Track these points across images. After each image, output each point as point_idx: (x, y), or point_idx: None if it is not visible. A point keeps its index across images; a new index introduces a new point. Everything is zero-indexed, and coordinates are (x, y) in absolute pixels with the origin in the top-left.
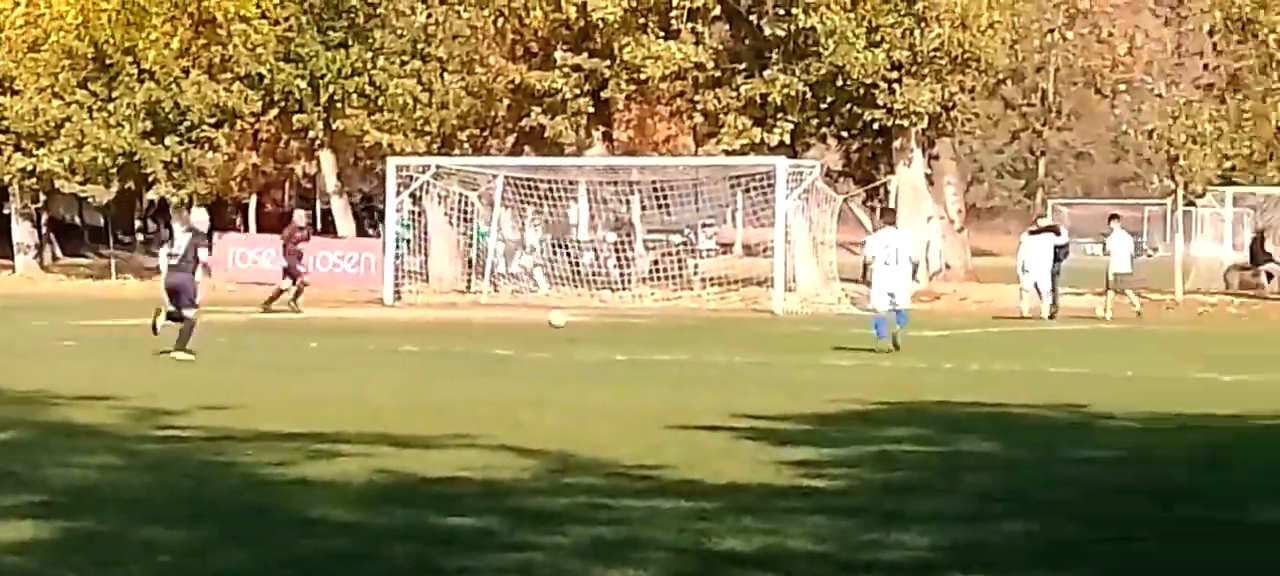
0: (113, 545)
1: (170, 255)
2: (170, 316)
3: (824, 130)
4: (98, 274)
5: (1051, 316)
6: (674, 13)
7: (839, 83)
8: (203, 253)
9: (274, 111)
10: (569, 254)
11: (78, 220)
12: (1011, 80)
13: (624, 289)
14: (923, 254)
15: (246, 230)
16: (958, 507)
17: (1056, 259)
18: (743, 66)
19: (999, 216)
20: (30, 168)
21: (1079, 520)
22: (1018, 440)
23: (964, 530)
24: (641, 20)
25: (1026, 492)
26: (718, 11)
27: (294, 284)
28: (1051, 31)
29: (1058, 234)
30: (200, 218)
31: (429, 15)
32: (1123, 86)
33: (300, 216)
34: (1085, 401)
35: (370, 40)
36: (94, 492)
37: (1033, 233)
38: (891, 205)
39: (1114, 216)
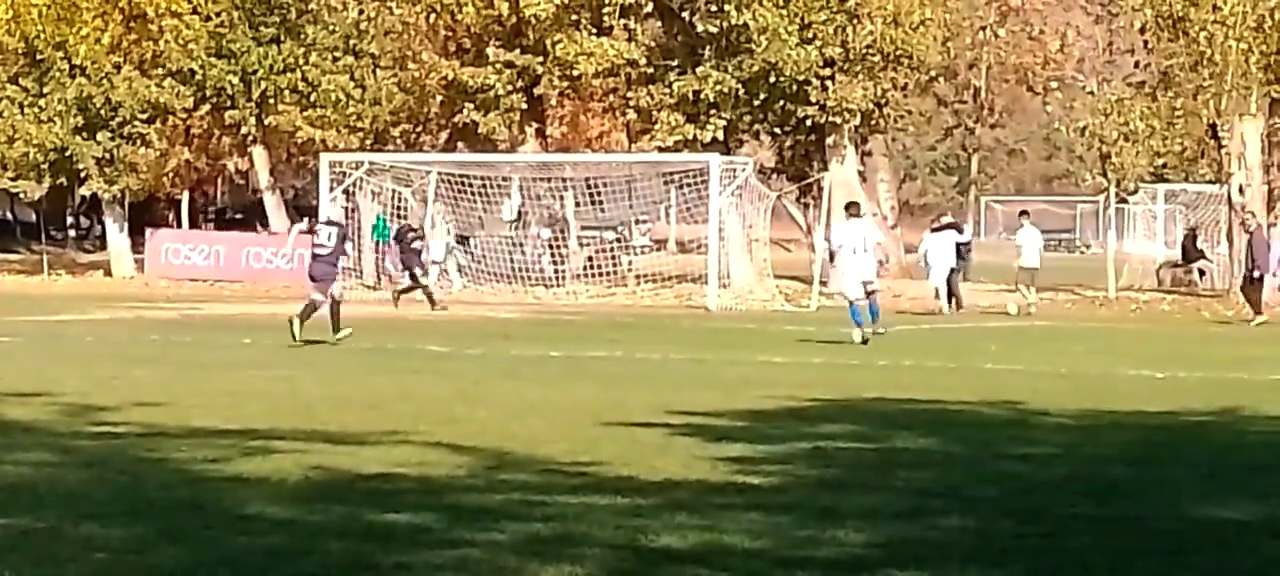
0: (49, 542)
1: (317, 247)
2: (308, 311)
3: (757, 127)
4: (30, 270)
5: (957, 310)
6: (607, 9)
7: (772, 79)
8: (348, 244)
9: (206, 107)
10: (504, 250)
11: (9, 216)
12: (944, 77)
13: (558, 285)
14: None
15: (179, 226)
16: (893, 504)
17: (959, 256)
18: (676, 63)
19: (932, 213)
20: None
21: (1014, 516)
22: (953, 437)
23: (899, 526)
24: (574, 17)
25: (962, 489)
26: (650, 8)
27: (411, 280)
28: (983, 29)
29: (960, 232)
30: (338, 212)
31: (361, 11)
32: (1054, 83)
33: (413, 217)
34: (1020, 398)
35: (302, 36)
36: (29, 489)
37: (935, 230)
38: (854, 198)
39: (1023, 213)
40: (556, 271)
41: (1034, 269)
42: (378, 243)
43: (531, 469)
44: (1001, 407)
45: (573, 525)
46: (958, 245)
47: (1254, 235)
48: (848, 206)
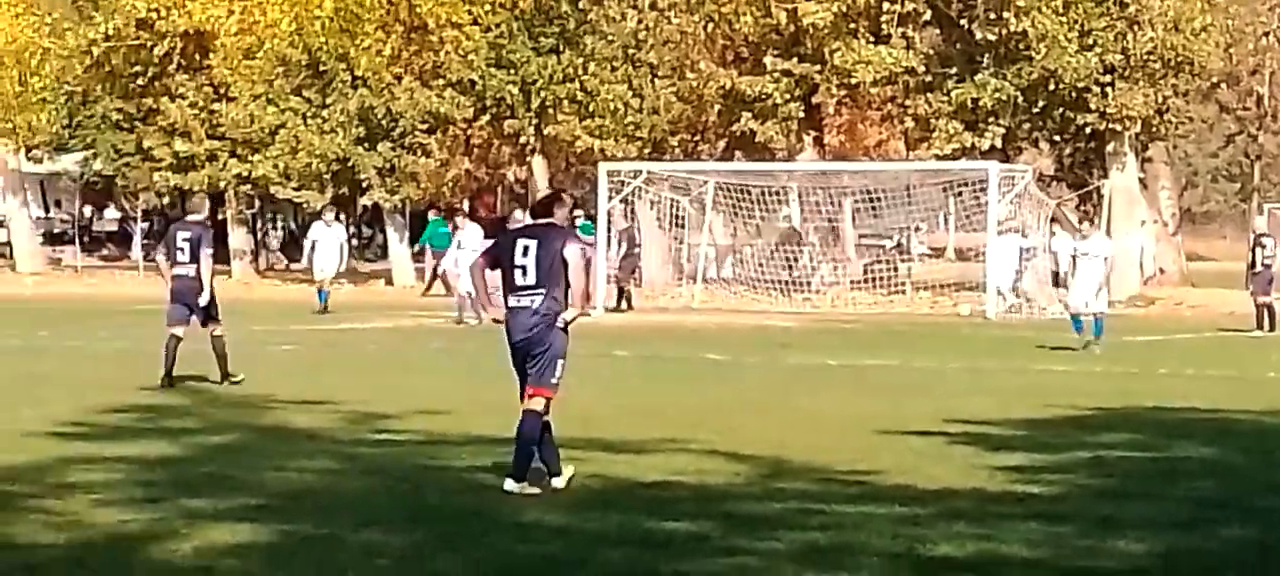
0: (330, 548)
1: None
2: None
3: (1036, 134)
4: (306, 277)
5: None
6: (884, 17)
7: (1050, 87)
8: None
9: (486, 117)
10: (793, 256)
11: (294, 227)
12: (1226, 83)
13: (836, 292)
14: (1136, 258)
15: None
16: (1173, 514)
17: None
18: (953, 71)
19: (1214, 221)
20: (246, 173)
21: None
22: (1234, 446)
23: (1180, 536)
24: (852, 25)
25: (1244, 499)
26: (928, 16)
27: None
28: (1266, 34)
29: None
30: None
31: (640, 21)
32: None
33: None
34: None
35: (581, 46)
36: (311, 496)
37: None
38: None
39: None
40: (835, 280)
41: None
42: (430, 248)
43: (809, 477)
44: None
45: (850, 534)
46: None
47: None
48: (1087, 217)
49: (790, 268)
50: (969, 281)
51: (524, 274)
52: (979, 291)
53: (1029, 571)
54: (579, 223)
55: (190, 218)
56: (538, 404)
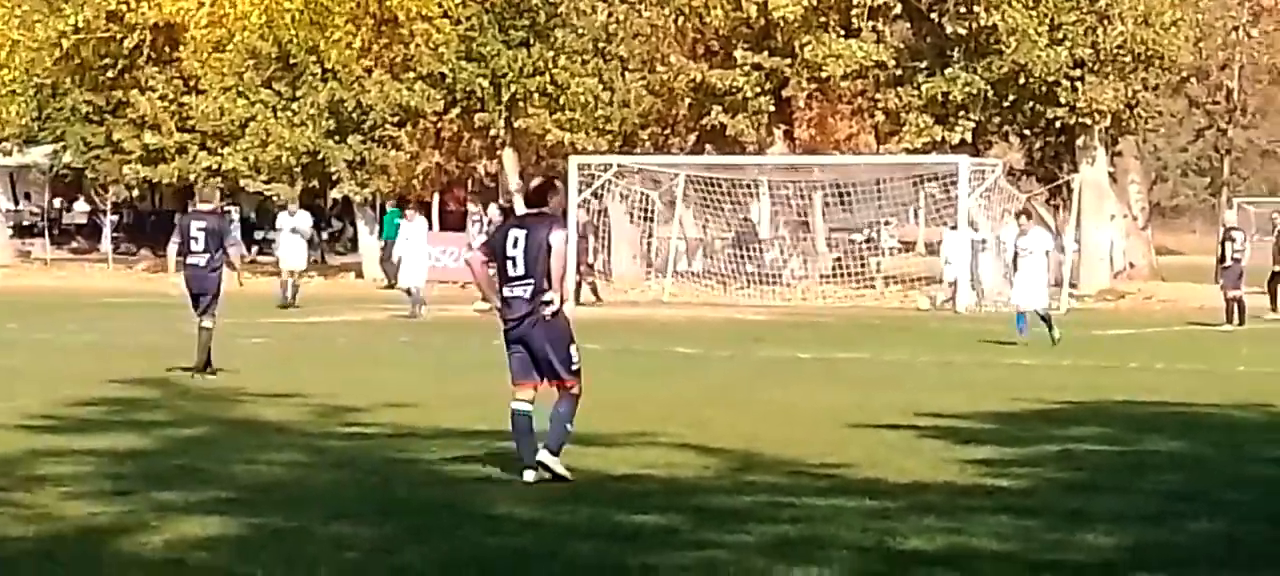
0: (300, 541)
1: None
2: None
3: (1006, 128)
4: (273, 271)
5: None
6: (855, 11)
7: (1021, 81)
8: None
9: (456, 110)
10: (751, 252)
11: (252, 217)
12: (1196, 78)
13: (805, 286)
14: (1106, 253)
15: (429, 229)
16: (1142, 507)
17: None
18: (924, 65)
19: (1184, 215)
20: (215, 166)
21: (1267, 521)
22: (1204, 439)
23: (1149, 530)
24: (822, 18)
25: (1213, 492)
26: (899, 10)
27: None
28: (1236, 28)
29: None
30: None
31: (610, 14)
32: None
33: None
34: (1274, 401)
35: (552, 39)
36: (281, 489)
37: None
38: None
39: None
40: (803, 274)
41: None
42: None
43: (779, 470)
44: (1254, 410)
45: (820, 527)
46: None
47: None
48: (1027, 212)
49: (756, 263)
50: (938, 275)
51: (515, 265)
52: (941, 284)
53: (998, 564)
54: None
55: (202, 207)
56: (574, 390)
